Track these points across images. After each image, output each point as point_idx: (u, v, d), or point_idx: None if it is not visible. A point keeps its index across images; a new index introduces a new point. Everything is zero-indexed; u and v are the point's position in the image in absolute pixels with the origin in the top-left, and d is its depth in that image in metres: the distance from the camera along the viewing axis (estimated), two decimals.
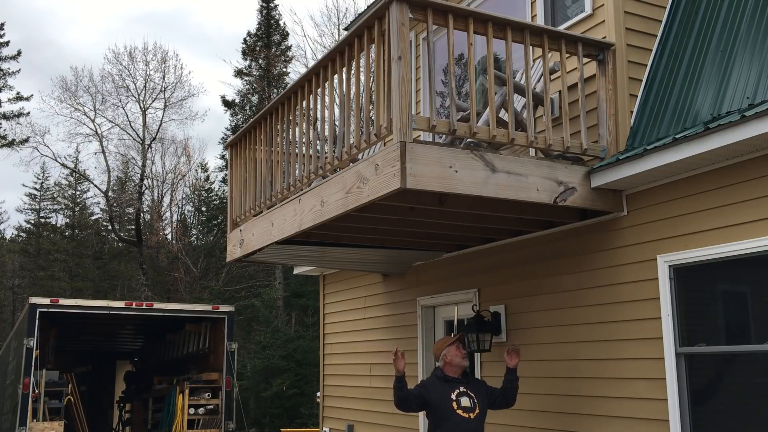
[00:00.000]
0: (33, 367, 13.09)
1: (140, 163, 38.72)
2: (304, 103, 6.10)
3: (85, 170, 52.70)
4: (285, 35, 35.98)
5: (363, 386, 8.93)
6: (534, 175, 5.21)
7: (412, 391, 5.69)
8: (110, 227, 42.00)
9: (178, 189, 41.61)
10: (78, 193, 46.85)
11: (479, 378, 5.98)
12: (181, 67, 70.26)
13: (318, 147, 6.05)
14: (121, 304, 14.98)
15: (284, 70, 35.46)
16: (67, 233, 45.91)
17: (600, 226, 5.81)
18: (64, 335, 17.21)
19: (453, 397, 5.54)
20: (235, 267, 31.84)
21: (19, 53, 41.82)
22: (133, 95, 38.45)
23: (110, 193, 40.09)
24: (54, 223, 47.51)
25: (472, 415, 5.52)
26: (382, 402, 8.43)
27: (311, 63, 26.25)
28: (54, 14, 73.55)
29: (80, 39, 73.75)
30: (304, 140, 6.16)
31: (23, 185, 60.97)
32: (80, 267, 42.71)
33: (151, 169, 39.94)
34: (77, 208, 46.86)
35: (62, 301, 14.43)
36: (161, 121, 38.87)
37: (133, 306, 14.81)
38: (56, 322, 15.50)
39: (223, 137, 36.77)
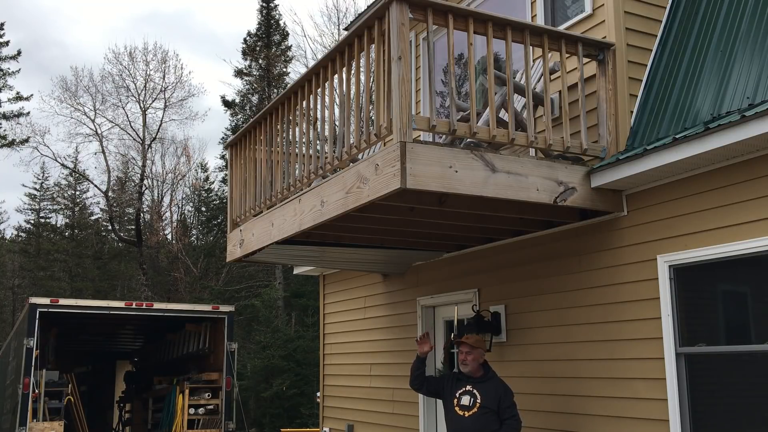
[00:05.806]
0: (33, 367, 13.06)
1: (140, 163, 38.73)
2: (304, 103, 6.10)
3: (84, 170, 52.81)
4: (285, 35, 36.00)
5: (363, 386, 8.93)
6: (534, 175, 5.21)
7: (436, 377, 6.25)
8: (110, 227, 41.97)
9: (178, 189, 41.71)
10: (78, 193, 46.83)
11: (504, 384, 5.72)
12: (181, 67, 70.46)
13: (318, 147, 6.05)
14: (121, 304, 14.96)
15: (284, 70, 35.50)
16: (67, 233, 45.86)
17: (600, 226, 5.81)
18: (64, 335, 17.20)
19: (456, 394, 5.72)
20: (235, 267, 31.85)
21: (19, 53, 41.82)
22: (133, 95, 38.48)
23: (110, 193, 40.09)
24: (54, 223, 47.49)
25: (467, 413, 5.59)
26: (382, 402, 8.43)
27: (311, 63, 26.24)
28: (59, 14, 73.66)
29: (85, 39, 73.92)
30: (304, 140, 6.16)
31: (23, 185, 61.02)
32: (80, 267, 42.67)
33: (151, 169, 40.01)
34: (77, 208, 46.82)
35: (62, 301, 14.40)
36: (161, 121, 38.92)
37: (133, 306, 14.80)
38: (56, 322, 15.49)
39: (223, 137, 36.81)
